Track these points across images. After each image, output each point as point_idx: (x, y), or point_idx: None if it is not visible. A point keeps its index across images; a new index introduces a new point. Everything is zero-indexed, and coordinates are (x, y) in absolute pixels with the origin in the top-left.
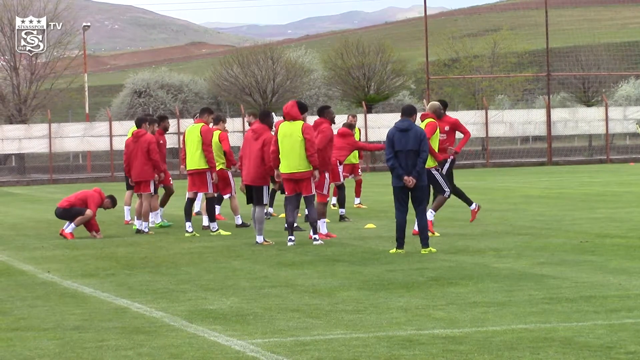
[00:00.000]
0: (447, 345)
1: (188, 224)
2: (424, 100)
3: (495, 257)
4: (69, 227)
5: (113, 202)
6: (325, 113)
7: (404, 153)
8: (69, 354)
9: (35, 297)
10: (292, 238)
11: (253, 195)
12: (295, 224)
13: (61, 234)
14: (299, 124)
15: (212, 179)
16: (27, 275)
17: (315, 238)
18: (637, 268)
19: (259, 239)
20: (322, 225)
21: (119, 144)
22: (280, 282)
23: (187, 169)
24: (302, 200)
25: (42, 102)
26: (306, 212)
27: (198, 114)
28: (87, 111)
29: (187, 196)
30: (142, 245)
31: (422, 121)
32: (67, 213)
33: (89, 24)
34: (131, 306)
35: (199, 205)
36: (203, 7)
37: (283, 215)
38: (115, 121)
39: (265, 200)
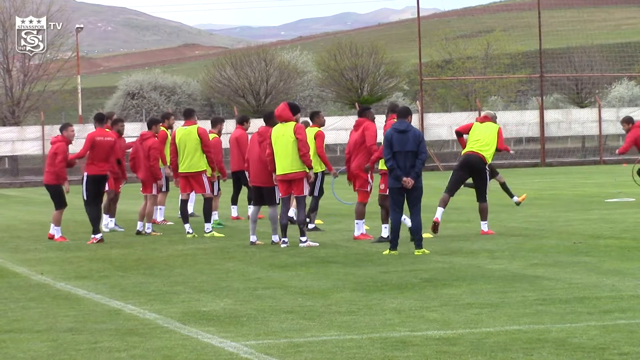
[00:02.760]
0: (441, 346)
1: (187, 225)
2: (417, 102)
3: (489, 258)
4: (57, 232)
5: (67, 127)
6: (367, 114)
7: (402, 154)
8: (63, 356)
9: (29, 299)
10: (286, 240)
11: (264, 196)
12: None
13: (51, 239)
14: (290, 124)
15: (214, 179)
16: (21, 277)
17: (301, 240)
18: (630, 269)
19: (274, 238)
20: (360, 225)
21: None
22: (274, 283)
23: (182, 171)
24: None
25: (35, 104)
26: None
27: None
28: (80, 113)
29: (180, 198)
30: (135, 247)
31: (480, 123)
32: (54, 190)
33: (82, 25)
34: (125, 308)
35: (192, 206)
36: (196, 8)
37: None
38: None
39: (277, 200)
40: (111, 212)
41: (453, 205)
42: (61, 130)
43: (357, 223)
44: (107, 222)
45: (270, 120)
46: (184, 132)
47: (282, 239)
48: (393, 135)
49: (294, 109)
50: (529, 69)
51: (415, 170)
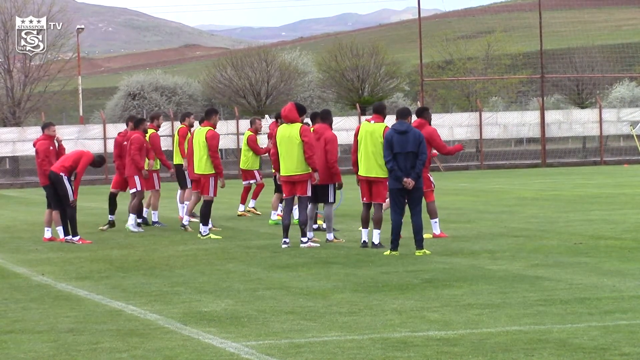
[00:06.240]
0: (442, 347)
1: (205, 227)
2: (418, 102)
3: (490, 259)
4: (60, 232)
5: (49, 126)
6: (425, 114)
7: (402, 155)
8: (63, 357)
9: (30, 300)
10: (287, 240)
11: (318, 194)
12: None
13: (50, 241)
14: (297, 126)
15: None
16: (21, 278)
17: (302, 241)
18: (631, 270)
19: (329, 236)
20: (435, 225)
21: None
22: (275, 284)
23: (195, 172)
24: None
25: (36, 105)
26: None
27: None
28: (81, 114)
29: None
30: (136, 247)
31: None
32: (47, 191)
33: (83, 26)
34: (125, 308)
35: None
36: (197, 9)
37: (279, 217)
38: (109, 124)
39: (331, 198)
40: (153, 206)
41: (453, 206)
42: (43, 129)
43: (433, 222)
44: (132, 221)
45: (327, 119)
46: (196, 133)
47: (283, 240)
48: (393, 136)
49: (301, 110)
50: (529, 70)
51: (415, 171)
